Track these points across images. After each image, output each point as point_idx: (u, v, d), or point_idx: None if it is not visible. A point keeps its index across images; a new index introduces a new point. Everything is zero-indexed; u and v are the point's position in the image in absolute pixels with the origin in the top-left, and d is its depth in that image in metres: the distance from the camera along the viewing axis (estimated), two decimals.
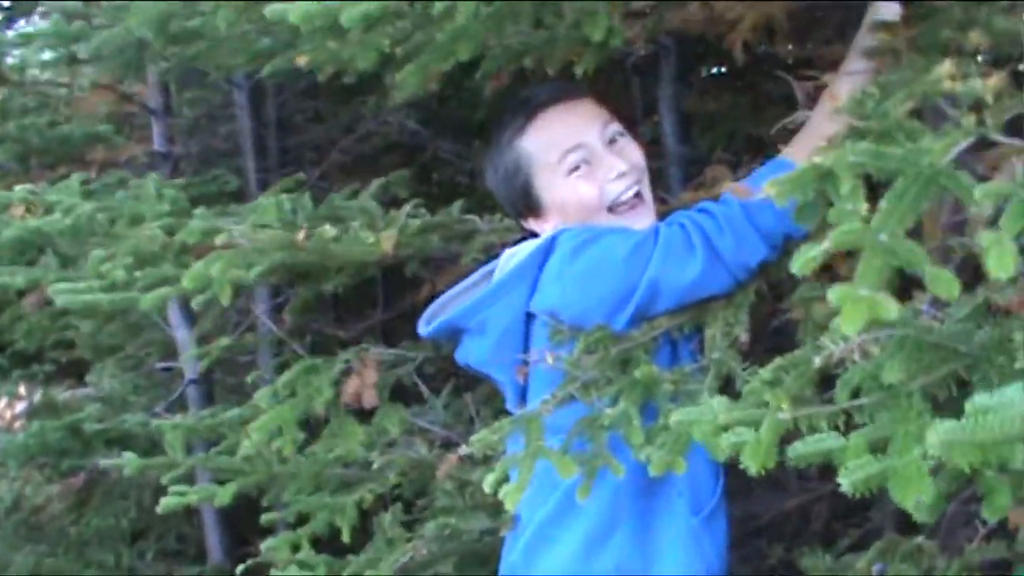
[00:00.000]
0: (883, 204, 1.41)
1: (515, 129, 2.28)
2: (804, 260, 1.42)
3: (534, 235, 2.32)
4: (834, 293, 1.33)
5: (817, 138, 1.99)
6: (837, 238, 1.40)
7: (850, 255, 2.17)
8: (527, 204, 2.30)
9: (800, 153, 2.04)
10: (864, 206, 1.44)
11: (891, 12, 2.12)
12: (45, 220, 2.92)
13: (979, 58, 1.96)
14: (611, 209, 2.23)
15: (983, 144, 1.59)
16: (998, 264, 1.28)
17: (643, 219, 2.24)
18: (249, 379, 3.46)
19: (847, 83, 2.08)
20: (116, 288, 2.89)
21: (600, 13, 1.87)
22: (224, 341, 3.72)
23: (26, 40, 4.02)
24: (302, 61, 2.38)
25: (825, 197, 1.51)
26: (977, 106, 1.64)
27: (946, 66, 1.75)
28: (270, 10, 1.80)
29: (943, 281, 1.32)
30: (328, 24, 1.68)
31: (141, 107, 4.87)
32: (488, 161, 2.37)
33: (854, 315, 1.30)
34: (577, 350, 2.04)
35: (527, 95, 2.35)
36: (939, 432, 1.15)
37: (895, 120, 1.68)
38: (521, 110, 2.29)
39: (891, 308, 1.31)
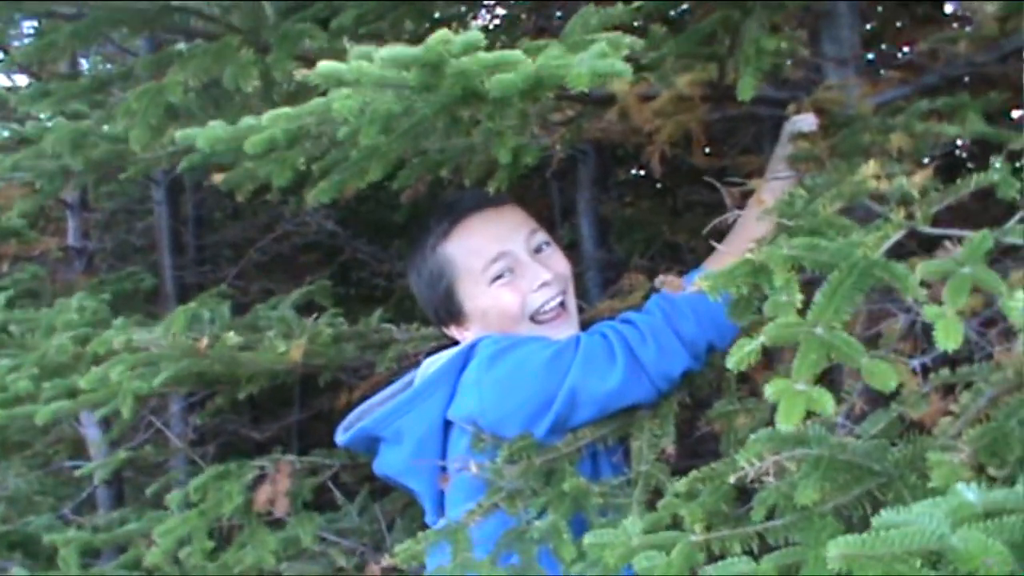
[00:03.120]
0: (818, 297, 1.43)
1: (439, 235, 2.26)
2: (740, 356, 1.42)
3: (454, 344, 2.29)
4: (771, 388, 1.34)
5: (745, 241, 1.98)
6: (773, 332, 1.41)
7: (767, 365, 2.21)
8: (448, 310, 2.28)
9: (727, 258, 2.05)
10: (799, 297, 1.45)
11: (808, 124, 2.17)
12: None
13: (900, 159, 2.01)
14: (533, 319, 2.22)
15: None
16: (945, 336, 1.31)
17: (566, 329, 2.23)
18: (149, 491, 3.39)
19: (773, 189, 2.11)
20: (19, 400, 2.82)
21: (506, 135, 1.87)
22: (122, 454, 3.65)
23: None
24: (219, 180, 2.36)
25: (759, 292, 1.53)
26: (905, 202, 1.67)
27: (870, 166, 1.79)
28: (180, 135, 1.79)
29: (879, 374, 1.34)
30: (237, 147, 1.68)
31: (57, 201, 4.80)
32: (411, 265, 2.34)
33: (792, 409, 1.32)
34: (500, 459, 2.01)
35: (452, 200, 2.34)
36: (840, 546, 1.14)
37: (825, 218, 1.70)
38: (445, 216, 2.27)
39: (827, 402, 1.32)
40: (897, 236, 1.54)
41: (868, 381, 1.35)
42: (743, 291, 1.54)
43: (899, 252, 1.57)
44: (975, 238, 1.44)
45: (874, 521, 1.17)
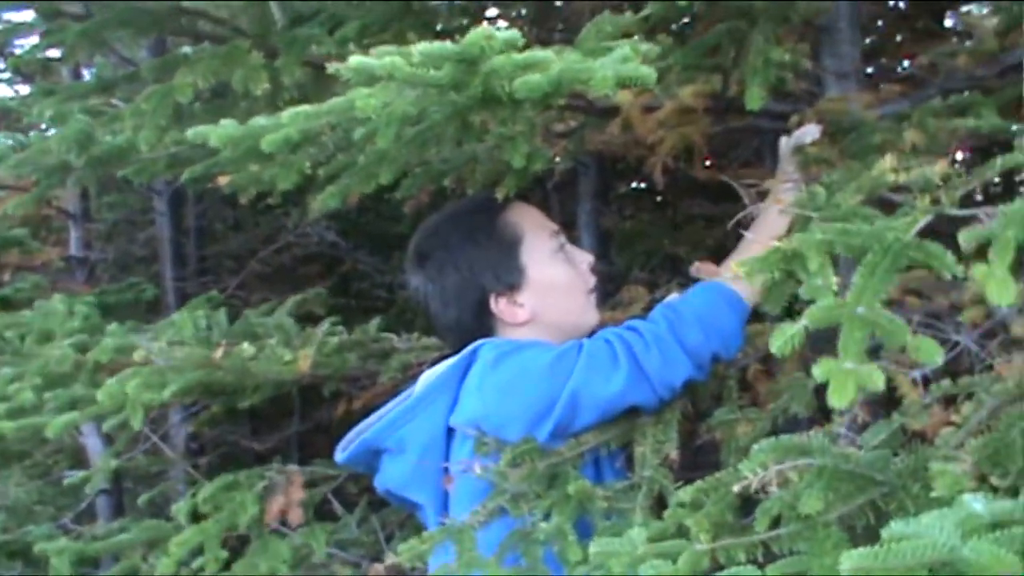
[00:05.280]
0: (856, 279, 1.43)
1: (496, 210, 2.27)
2: (783, 339, 1.42)
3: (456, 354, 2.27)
4: (819, 368, 1.34)
5: (768, 237, 1.99)
6: (814, 314, 1.41)
7: (768, 374, 2.21)
8: (509, 276, 2.23)
9: (748, 254, 2.07)
10: (835, 280, 1.46)
11: (812, 134, 2.16)
12: None
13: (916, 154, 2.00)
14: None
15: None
16: (998, 292, 1.32)
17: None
18: (141, 500, 3.38)
19: (788, 190, 2.11)
20: (24, 412, 2.81)
21: (519, 139, 1.87)
22: (112, 463, 3.65)
23: None
24: (224, 182, 2.37)
25: (793, 278, 1.53)
26: (928, 190, 1.67)
27: (887, 160, 1.78)
28: (192, 133, 1.79)
29: (926, 349, 1.34)
30: (250, 147, 1.68)
31: (59, 211, 4.82)
32: (465, 233, 2.26)
33: (843, 388, 1.32)
34: (503, 462, 1.99)
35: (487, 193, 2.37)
36: (853, 559, 1.14)
37: (849, 209, 1.69)
38: (493, 202, 2.30)
39: (878, 379, 1.32)
40: (925, 220, 1.52)
41: (914, 356, 1.36)
42: (776, 277, 1.54)
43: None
44: (1013, 205, 1.42)
45: (883, 533, 1.16)
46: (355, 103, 1.56)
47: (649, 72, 1.55)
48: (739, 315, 2.08)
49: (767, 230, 2.08)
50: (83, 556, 3.35)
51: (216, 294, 3.66)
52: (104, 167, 2.69)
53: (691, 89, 2.25)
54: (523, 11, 3.59)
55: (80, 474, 3.86)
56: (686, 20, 2.83)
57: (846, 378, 1.32)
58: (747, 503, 1.60)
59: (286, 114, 1.67)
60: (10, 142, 3.44)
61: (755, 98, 2.03)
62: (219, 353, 2.49)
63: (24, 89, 5.19)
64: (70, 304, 3.18)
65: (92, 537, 3.58)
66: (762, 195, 2.16)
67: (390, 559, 1.91)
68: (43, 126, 4.14)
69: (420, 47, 1.54)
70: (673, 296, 2.21)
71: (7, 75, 5.20)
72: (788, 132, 2.22)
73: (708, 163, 2.99)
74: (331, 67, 1.61)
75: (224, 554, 2.77)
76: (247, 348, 2.51)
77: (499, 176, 2.33)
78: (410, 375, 2.63)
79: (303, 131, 1.66)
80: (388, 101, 1.58)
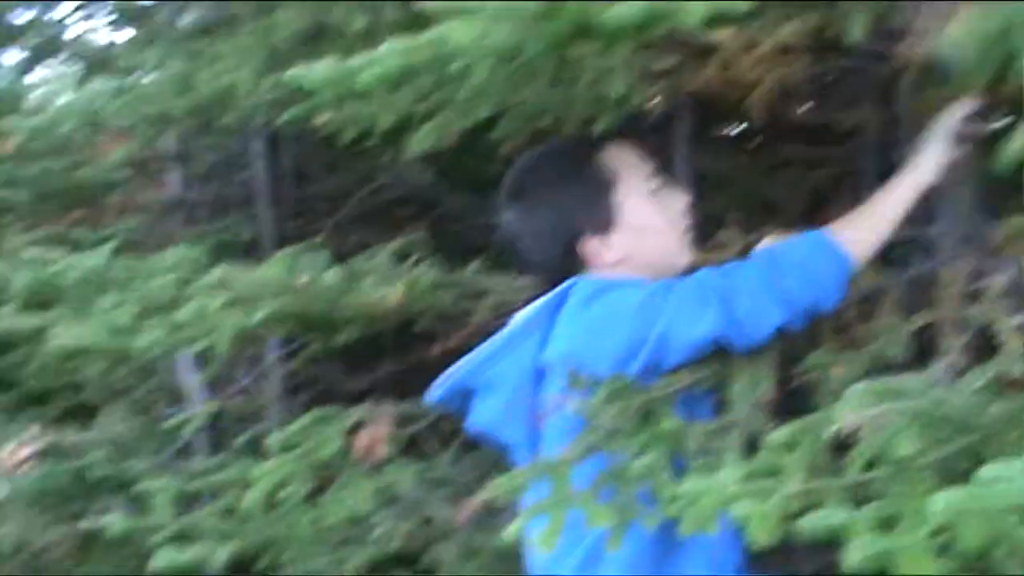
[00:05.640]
0: None
1: (592, 150, 2.28)
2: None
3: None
4: None
5: (896, 204, 2.06)
6: None
7: (864, 316, 2.16)
8: (599, 217, 2.23)
9: (866, 220, 2.08)
10: None
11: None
12: (55, 271, 2.88)
13: None
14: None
15: None
16: None
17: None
18: (238, 441, 3.42)
19: (931, 154, 2.06)
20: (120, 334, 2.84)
21: (618, 70, 1.86)
22: (207, 407, 3.69)
23: (53, 122, 3.93)
24: (321, 121, 2.38)
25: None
26: None
27: None
28: (289, 75, 1.80)
29: None
30: (346, 88, 1.68)
31: (157, 155, 4.87)
32: (551, 171, 2.30)
33: None
34: (597, 398, 1.99)
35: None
36: (945, 499, 1.13)
37: None
38: (590, 141, 2.31)
39: None
40: None
41: None
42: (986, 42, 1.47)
43: None
44: None
45: (976, 476, 1.15)
46: (449, 36, 1.55)
47: (743, 6, 1.52)
48: (842, 270, 2.03)
49: (898, 196, 2.06)
50: (183, 494, 3.42)
51: (319, 240, 3.68)
52: (203, 114, 2.72)
53: (790, 27, 2.21)
54: None
55: (179, 415, 3.93)
56: None
57: None
58: (841, 446, 1.59)
59: (381, 50, 1.66)
60: (114, 85, 3.48)
61: (857, 28, 1.97)
62: (304, 278, 2.50)
63: (126, 33, 5.24)
64: (181, 252, 3.21)
65: (190, 475, 3.65)
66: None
67: (484, 493, 1.92)
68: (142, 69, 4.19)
69: None
70: (774, 240, 2.18)
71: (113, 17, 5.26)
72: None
73: (807, 105, 2.94)
74: (416, 4, 1.60)
75: (305, 488, 2.80)
76: (332, 275, 2.52)
77: (596, 115, 2.32)
78: (502, 313, 2.64)
79: (399, 67, 1.65)
80: (482, 33, 1.56)
